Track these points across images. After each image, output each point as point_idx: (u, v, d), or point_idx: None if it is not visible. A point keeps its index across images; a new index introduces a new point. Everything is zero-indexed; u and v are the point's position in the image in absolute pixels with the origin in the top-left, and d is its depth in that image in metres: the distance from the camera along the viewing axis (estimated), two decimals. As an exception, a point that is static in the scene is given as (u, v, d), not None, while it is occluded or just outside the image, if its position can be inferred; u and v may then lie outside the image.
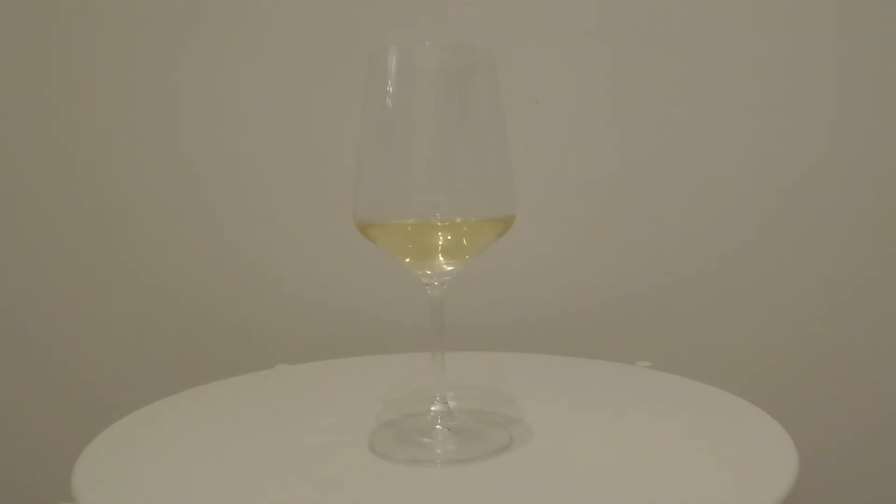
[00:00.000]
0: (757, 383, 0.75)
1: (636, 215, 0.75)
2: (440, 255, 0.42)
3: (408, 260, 0.43)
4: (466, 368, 0.63)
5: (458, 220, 0.40)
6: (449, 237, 0.41)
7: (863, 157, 0.72)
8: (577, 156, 0.76)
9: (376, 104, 0.40)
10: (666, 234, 0.75)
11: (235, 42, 0.77)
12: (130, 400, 0.55)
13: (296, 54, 0.77)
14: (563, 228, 0.77)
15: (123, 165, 0.79)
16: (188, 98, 0.78)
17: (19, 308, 0.81)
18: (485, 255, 0.46)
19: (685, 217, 0.75)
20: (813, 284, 0.74)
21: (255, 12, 0.76)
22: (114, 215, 0.80)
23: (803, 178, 0.73)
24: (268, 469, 0.41)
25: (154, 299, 0.80)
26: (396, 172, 0.40)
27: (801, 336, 0.75)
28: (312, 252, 0.79)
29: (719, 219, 0.74)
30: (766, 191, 0.73)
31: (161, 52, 0.77)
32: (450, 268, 0.43)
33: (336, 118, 0.77)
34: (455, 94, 0.40)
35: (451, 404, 0.47)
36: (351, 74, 0.75)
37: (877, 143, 0.71)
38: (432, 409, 0.45)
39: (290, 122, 0.77)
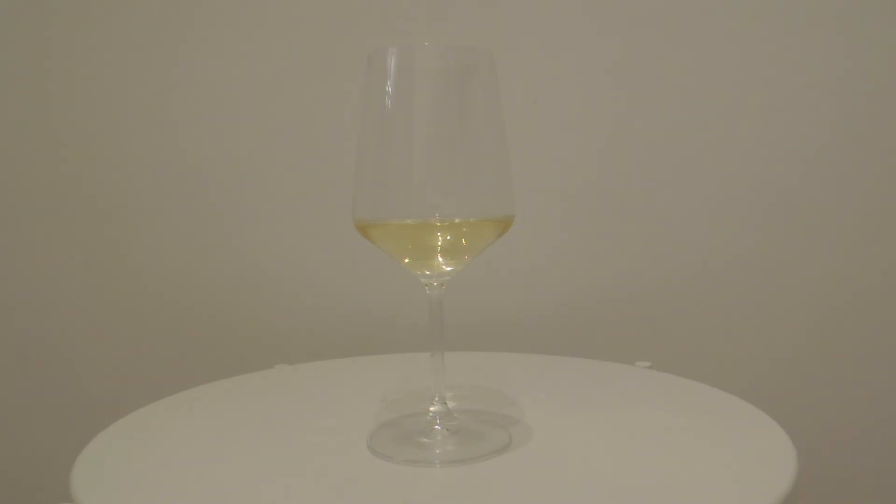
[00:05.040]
0: (756, 383, 0.75)
1: (636, 216, 0.75)
2: (439, 255, 0.42)
3: (407, 260, 0.43)
4: (466, 368, 0.63)
5: (457, 221, 0.40)
6: (448, 237, 0.41)
7: (863, 159, 0.72)
8: (576, 156, 0.76)
9: (376, 104, 0.40)
10: (665, 235, 0.75)
11: (235, 41, 0.77)
12: (130, 400, 0.55)
13: (296, 54, 0.77)
14: (562, 229, 0.77)
15: (123, 165, 0.79)
16: (188, 98, 0.78)
17: (19, 308, 0.81)
18: (484, 255, 0.46)
19: (685, 217, 0.75)
20: (812, 285, 0.74)
21: (255, 11, 0.76)
22: (113, 215, 0.80)
23: (802, 179, 0.73)
24: (267, 469, 0.41)
25: (154, 299, 0.80)
26: (396, 173, 0.40)
27: (801, 336, 0.75)
28: (312, 252, 0.79)
29: (719, 219, 0.74)
30: (766, 192, 0.73)
31: (160, 51, 0.78)
32: (449, 268, 0.43)
33: (336, 118, 0.77)
34: (455, 95, 0.40)
35: (451, 404, 0.47)
36: (351, 74, 0.75)
37: (877, 145, 0.71)
38: (431, 409, 0.45)
39: (290, 122, 0.77)
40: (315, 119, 0.77)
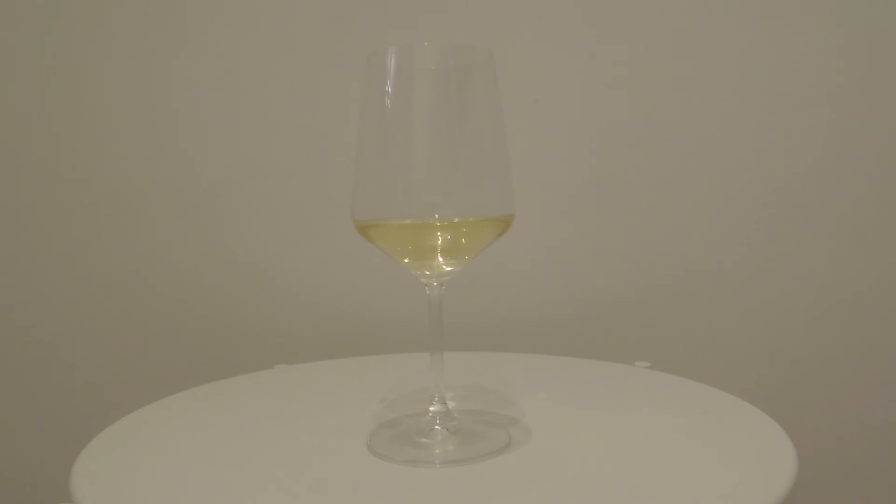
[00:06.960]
0: (756, 383, 0.75)
1: (635, 215, 0.75)
2: (439, 255, 0.42)
3: (407, 260, 0.43)
4: (465, 368, 0.63)
5: (457, 221, 0.40)
6: (448, 237, 0.41)
7: (862, 158, 0.72)
8: (576, 156, 0.76)
9: (375, 104, 0.40)
10: (665, 235, 0.75)
11: (235, 41, 0.77)
12: (130, 400, 0.55)
13: (295, 54, 0.77)
14: (562, 228, 0.77)
15: (124, 165, 0.79)
16: (188, 98, 0.78)
17: (19, 308, 0.81)
18: (484, 255, 0.46)
19: (684, 217, 0.75)
20: (812, 285, 0.74)
21: (255, 11, 0.76)
22: (114, 215, 0.80)
23: (802, 178, 0.73)
24: (267, 469, 0.41)
25: (154, 299, 0.80)
26: (395, 173, 0.40)
27: (801, 336, 0.75)
28: (312, 252, 0.79)
29: (718, 219, 0.74)
30: (766, 191, 0.73)
31: (161, 50, 0.78)
32: (449, 268, 0.43)
33: (335, 118, 0.77)
34: (454, 94, 0.40)
35: (450, 405, 0.47)
36: (350, 74, 0.75)
37: (876, 144, 0.71)
38: (431, 409, 0.45)
39: (290, 122, 0.77)
40: (315, 119, 0.77)
